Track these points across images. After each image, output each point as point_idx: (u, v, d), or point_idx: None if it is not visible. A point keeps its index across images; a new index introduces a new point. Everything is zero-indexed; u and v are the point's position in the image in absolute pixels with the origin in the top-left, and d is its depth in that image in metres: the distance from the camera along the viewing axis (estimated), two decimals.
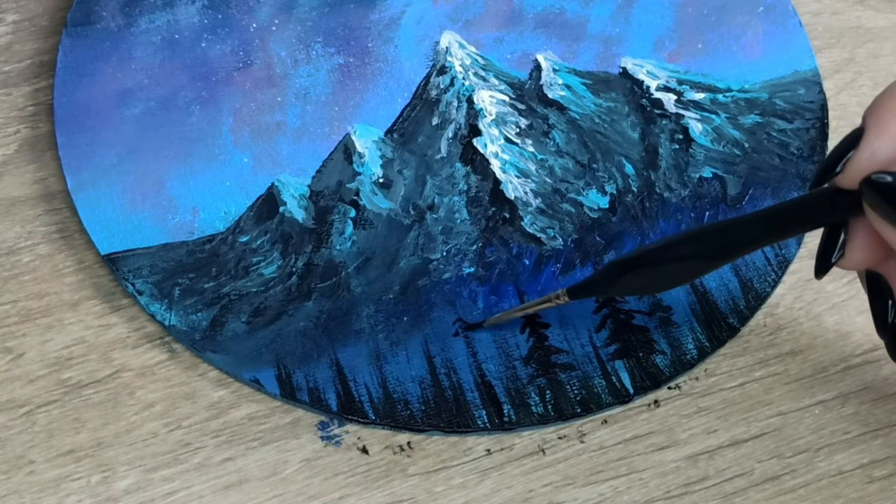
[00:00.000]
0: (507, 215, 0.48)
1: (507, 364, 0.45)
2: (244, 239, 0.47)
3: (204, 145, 0.48)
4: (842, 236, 0.37)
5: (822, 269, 0.37)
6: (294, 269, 0.46)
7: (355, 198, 0.48)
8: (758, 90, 0.51)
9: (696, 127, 0.50)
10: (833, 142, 0.51)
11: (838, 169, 0.35)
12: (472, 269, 0.47)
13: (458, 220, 0.48)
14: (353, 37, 0.51)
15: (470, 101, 0.50)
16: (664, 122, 0.50)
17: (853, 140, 0.35)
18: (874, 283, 0.38)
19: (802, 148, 0.50)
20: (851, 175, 0.35)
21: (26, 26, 0.51)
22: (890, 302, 0.38)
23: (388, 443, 0.44)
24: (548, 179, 0.49)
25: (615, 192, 0.49)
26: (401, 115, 0.50)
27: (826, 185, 0.36)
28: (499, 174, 0.49)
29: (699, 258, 0.39)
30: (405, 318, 0.45)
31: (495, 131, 0.50)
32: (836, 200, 0.36)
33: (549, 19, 0.52)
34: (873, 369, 0.46)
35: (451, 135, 0.50)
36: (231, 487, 0.42)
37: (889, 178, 0.33)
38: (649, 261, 0.40)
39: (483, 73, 0.51)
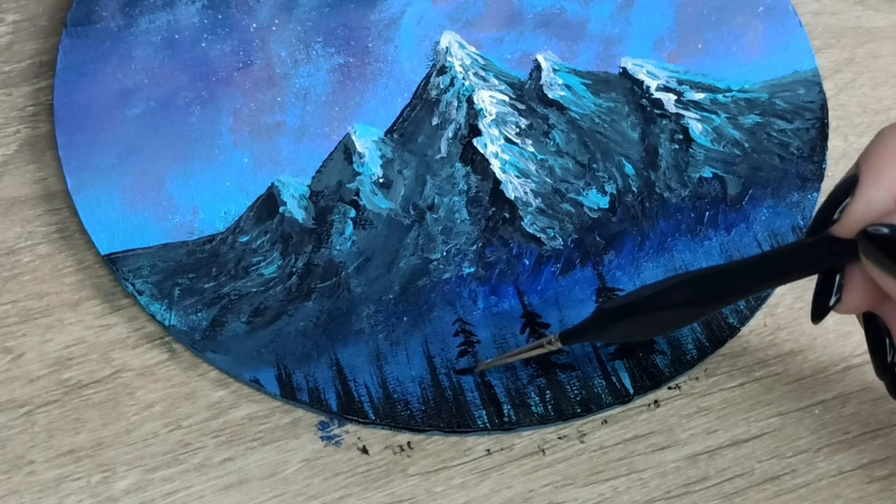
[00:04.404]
0: (507, 215, 0.48)
1: (507, 364, 0.45)
2: (244, 239, 0.47)
3: (204, 145, 0.48)
4: (837, 280, 0.36)
5: (818, 313, 0.37)
6: (294, 269, 0.46)
7: (355, 198, 0.48)
8: (758, 90, 0.51)
9: (696, 127, 0.50)
10: (833, 142, 0.51)
11: (835, 216, 0.35)
12: (472, 269, 0.47)
13: (458, 220, 0.48)
14: (353, 37, 0.51)
15: (470, 101, 0.50)
16: (664, 122, 0.50)
17: (848, 187, 0.35)
18: (872, 325, 0.38)
19: (802, 148, 0.50)
20: (848, 225, 0.35)
21: (26, 26, 0.51)
22: (888, 342, 0.37)
23: (388, 443, 0.44)
24: (548, 179, 0.49)
25: (615, 192, 0.49)
26: (401, 115, 0.50)
27: (822, 233, 0.36)
28: (499, 174, 0.49)
29: (693, 304, 0.38)
30: (405, 318, 0.45)
31: (495, 131, 0.50)
32: (832, 247, 0.35)
33: (549, 19, 0.52)
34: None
35: (451, 135, 0.50)
36: (231, 487, 0.42)
37: (885, 231, 0.33)
38: (641, 308, 0.39)
39: (483, 73, 0.51)
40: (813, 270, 0.37)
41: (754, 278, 0.37)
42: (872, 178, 0.34)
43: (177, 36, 0.50)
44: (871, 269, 0.34)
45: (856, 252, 0.34)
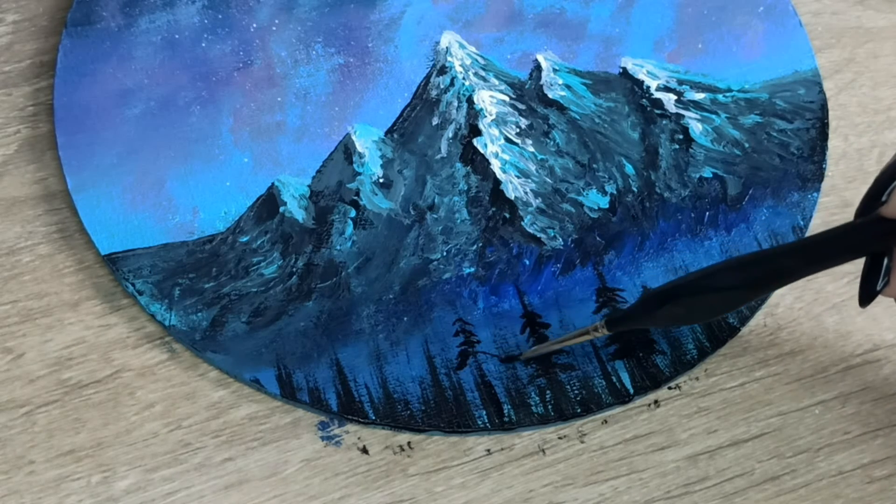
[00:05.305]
0: (508, 215, 0.48)
1: (507, 364, 0.45)
2: (244, 239, 0.47)
3: (204, 145, 0.48)
4: (885, 263, 0.36)
5: (866, 297, 0.37)
6: (294, 269, 0.46)
7: (355, 198, 0.48)
8: (758, 90, 0.51)
9: (696, 127, 0.50)
10: (833, 142, 0.51)
11: (883, 199, 0.35)
12: (473, 269, 0.47)
13: (459, 220, 0.48)
14: (353, 37, 0.51)
15: (470, 101, 0.50)
16: (664, 122, 0.50)
17: None
18: None
19: (802, 148, 0.50)
20: None
21: (26, 26, 0.51)
22: None
23: (388, 443, 0.44)
24: (548, 179, 0.49)
25: (615, 192, 0.49)
26: (401, 115, 0.50)
27: (870, 215, 0.36)
28: (499, 174, 0.49)
29: (740, 288, 0.38)
30: (405, 318, 0.45)
31: (495, 131, 0.50)
32: (881, 229, 0.35)
33: (549, 19, 0.52)
34: (873, 369, 0.46)
35: (451, 135, 0.50)
36: (231, 487, 0.42)
37: None
38: (689, 291, 0.39)
39: (483, 73, 0.51)
40: (861, 253, 0.37)
41: (803, 261, 0.37)
42: None
43: (177, 36, 0.50)
44: None
45: None
